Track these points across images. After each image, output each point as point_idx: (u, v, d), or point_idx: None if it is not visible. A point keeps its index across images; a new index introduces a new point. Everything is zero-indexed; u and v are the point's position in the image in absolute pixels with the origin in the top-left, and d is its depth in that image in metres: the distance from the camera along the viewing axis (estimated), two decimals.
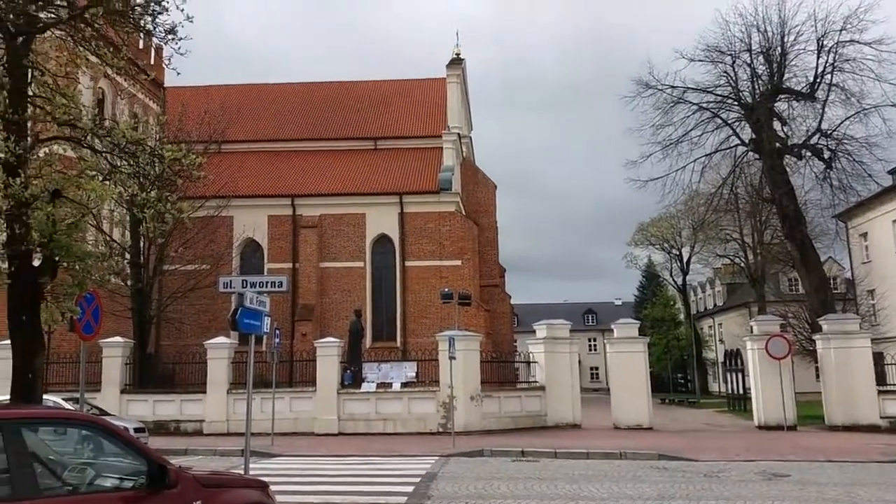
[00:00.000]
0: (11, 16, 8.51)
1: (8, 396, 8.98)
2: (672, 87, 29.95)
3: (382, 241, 33.27)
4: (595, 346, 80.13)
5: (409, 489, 11.77)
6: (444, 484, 12.37)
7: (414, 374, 23.13)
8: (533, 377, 24.23)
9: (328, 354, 22.34)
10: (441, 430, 20.98)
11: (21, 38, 8.80)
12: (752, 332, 24.62)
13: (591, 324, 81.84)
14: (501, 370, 25.81)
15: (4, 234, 8.61)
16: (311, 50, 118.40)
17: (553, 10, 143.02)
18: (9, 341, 9.01)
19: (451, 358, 18.73)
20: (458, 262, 32.14)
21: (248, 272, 31.04)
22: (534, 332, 24.78)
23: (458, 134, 36.80)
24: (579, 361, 26.00)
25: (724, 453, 16.28)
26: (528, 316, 58.38)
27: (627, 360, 23.29)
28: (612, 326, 24.92)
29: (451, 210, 32.96)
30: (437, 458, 15.92)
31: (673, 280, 63.85)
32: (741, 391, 30.99)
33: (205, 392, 22.34)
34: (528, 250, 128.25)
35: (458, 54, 39.69)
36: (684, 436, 21.12)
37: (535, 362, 24.09)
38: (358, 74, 78.91)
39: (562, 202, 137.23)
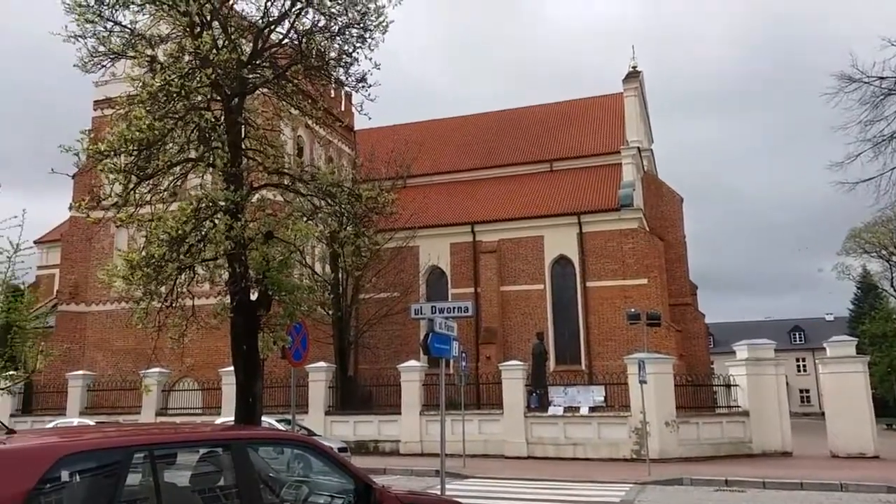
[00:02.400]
0: (228, 80, 9.72)
1: (232, 418, 10.05)
2: (881, 78, 26.82)
3: (562, 262, 32.99)
4: (804, 366, 72.95)
5: None
6: None
7: (602, 399, 22.53)
8: (734, 401, 22.60)
9: (513, 377, 22.49)
10: (634, 456, 20.21)
11: (235, 99, 10.01)
12: None
13: (798, 342, 74.72)
14: (698, 394, 24.33)
15: (227, 272, 9.75)
16: (479, 84, 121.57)
17: (722, 3, 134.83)
18: (232, 368, 10.13)
19: (642, 382, 18.04)
20: (644, 281, 30.96)
21: (434, 298, 32.29)
22: (733, 352, 23.16)
23: (638, 148, 35.72)
24: (787, 384, 23.83)
25: None
26: (725, 335, 54.72)
27: (844, 382, 20.97)
28: (825, 345, 22.60)
29: (633, 227, 31.94)
30: (631, 485, 15.37)
31: (895, 291, 56.65)
32: None
33: (400, 413, 23.41)
34: (722, 265, 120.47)
35: (634, 67, 38.75)
36: None
37: (736, 385, 22.48)
38: (527, 100, 79.50)
39: (756, 211, 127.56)
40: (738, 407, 22.12)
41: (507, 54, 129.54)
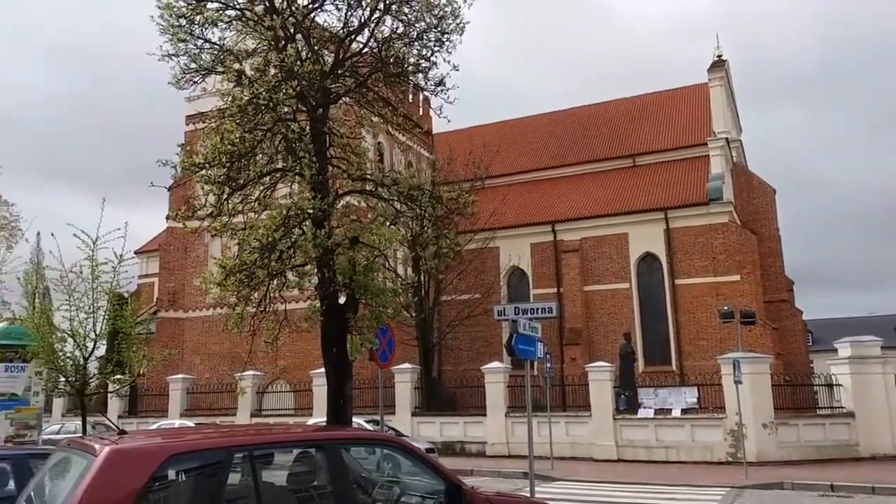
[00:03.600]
0: (312, 91, 10.01)
1: (323, 418, 10.31)
2: None
3: (648, 259, 32.15)
4: None
5: None
6: None
7: (695, 400, 21.80)
8: (837, 401, 21.41)
9: (600, 378, 22.08)
10: (730, 459, 19.44)
11: (320, 110, 10.30)
12: None
13: None
14: (796, 394, 23.17)
15: (316, 277, 10.03)
16: (554, 82, 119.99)
17: None
18: (322, 370, 10.39)
19: (738, 382, 17.35)
20: (737, 277, 29.75)
21: (516, 299, 32.13)
22: (835, 350, 21.93)
23: (726, 138, 34.39)
24: None
25: None
26: (825, 333, 51.77)
27: None
28: None
29: (723, 221, 30.76)
30: (727, 489, 14.81)
31: None
32: None
33: (485, 415, 23.41)
34: (821, 259, 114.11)
35: (719, 56, 37.33)
36: None
37: (839, 385, 21.28)
38: (605, 96, 77.84)
39: (857, 201, 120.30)
40: (841, 408, 20.93)
41: (583, 49, 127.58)
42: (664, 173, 34.36)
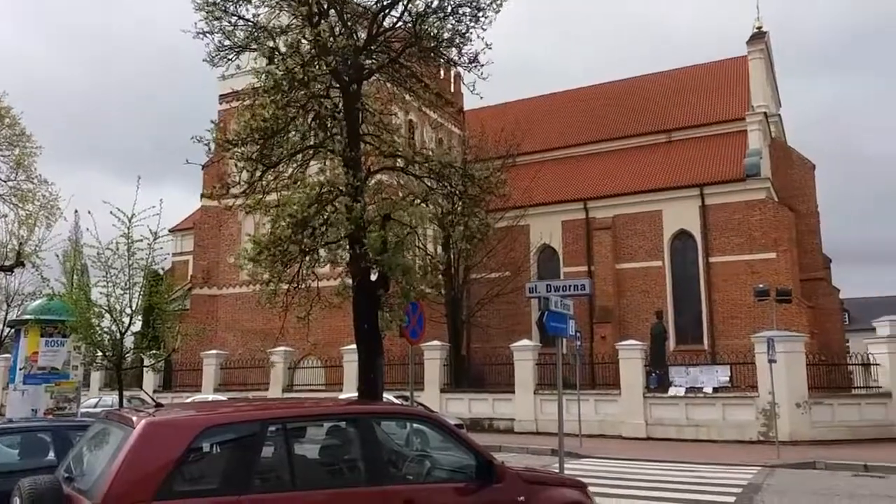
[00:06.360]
0: (345, 67, 9.99)
1: (353, 394, 10.44)
2: None
3: (682, 237, 31.70)
4: None
5: (731, 500, 11.06)
6: (771, 496, 11.37)
7: (727, 379, 21.59)
8: (874, 381, 21.03)
9: (631, 357, 21.98)
10: (762, 438, 19.26)
11: (353, 86, 10.28)
12: None
13: None
14: (831, 374, 22.81)
15: (348, 253, 10.10)
16: (587, 57, 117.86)
17: None
18: (353, 346, 10.49)
19: (771, 361, 17.12)
20: (773, 255, 29.20)
21: (546, 277, 31.93)
22: (872, 329, 21.52)
23: (765, 113, 33.54)
24: None
25: None
26: (862, 311, 50.77)
27: None
28: None
29: (760, 197, 30.14)
30: (759, 468, 14.69)
31: None
32: None
33: (514, 392, 23.49)
34: (860, 236, 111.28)
35: (759, 27, 36.30)
36: None
37: (876, 364, 20.89)
38: (638, 70, 76.38)
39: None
40: (878, 387, 20.57)
41: (615, 23, 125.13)
42: (700, 149, 33.73)
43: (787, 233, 30.38)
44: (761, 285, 25.22)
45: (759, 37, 35.68)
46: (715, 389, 21.12)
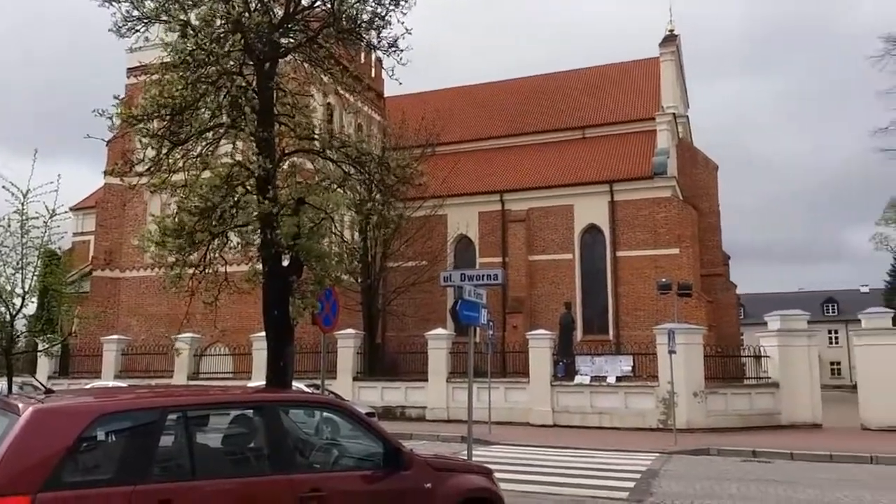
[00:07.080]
0: (259, 44, 9.67)
1: (262, 382, 10.19)
2: None
3: (592, 231, 32.70)
4: (836, 339, 71.84)
5: (630, 485, 11.51)
6: (667, 482, 11.92)
7: (630, 368, 22.48)
8: (764, 372, 22.42)
9: (540, 346, 22.54)
10: (661, 426, 20.19)
11: (267, 64, 9.97)
12: None
13: (831, 314, 73.49)
14: (727, 365, 24.16)
15: (259, 238, 9.82)
16: (509, 51, 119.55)
17: None
18: (263, 333, 10.24)
19: (671, 352, 17.94)
20: (676, 251, 30.58)
21: (462, 267, 32.22)
22: (764, 324, 22.92)
23: (674, 114, 34.98)
24: (819, 356, 23.53)
25: None
26: (756, 307, 54.05)
27: (879, 355, 20.62)
28: (860, 317, 22.28)
29: (666, 195, 31.47)
30: (657, 454, 15.39)
31: None
32: None
33: (427, 380, 23.64)
34: (756, 235, 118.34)
35: (671, 30, 37.76)
36: None
37: (766, 357, 22.28)
38: (558, 67, 78.02)
39: (792, 178, 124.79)
40: (768, 378, 21.95)
41: (539, 21, 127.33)
42: (612, 146, 34.82)
43: (690, 230, 31.87)
44: (664, 279, 26.34)
45: (670, 39, 37.14)
46: (618, 378, 21.94)
